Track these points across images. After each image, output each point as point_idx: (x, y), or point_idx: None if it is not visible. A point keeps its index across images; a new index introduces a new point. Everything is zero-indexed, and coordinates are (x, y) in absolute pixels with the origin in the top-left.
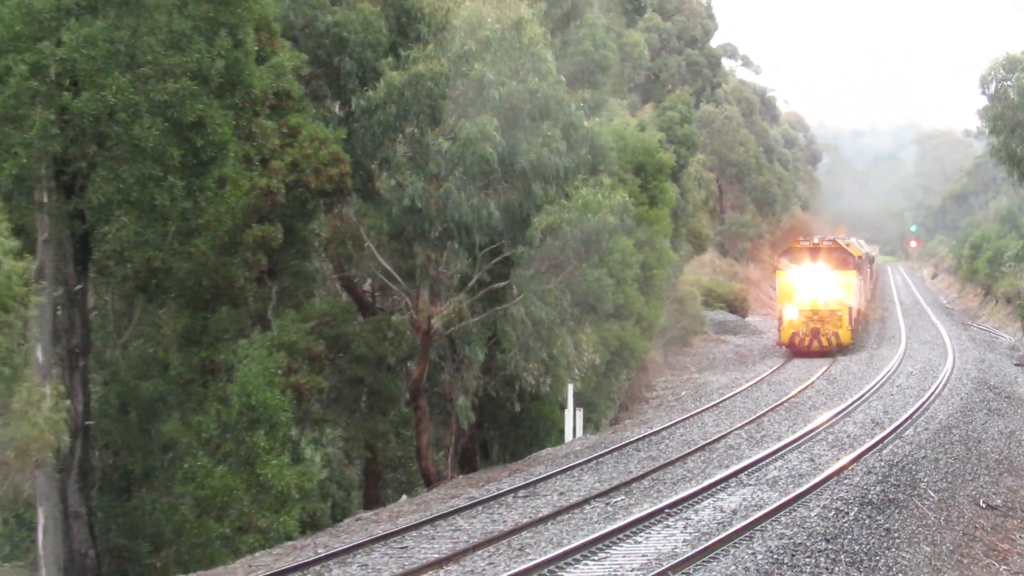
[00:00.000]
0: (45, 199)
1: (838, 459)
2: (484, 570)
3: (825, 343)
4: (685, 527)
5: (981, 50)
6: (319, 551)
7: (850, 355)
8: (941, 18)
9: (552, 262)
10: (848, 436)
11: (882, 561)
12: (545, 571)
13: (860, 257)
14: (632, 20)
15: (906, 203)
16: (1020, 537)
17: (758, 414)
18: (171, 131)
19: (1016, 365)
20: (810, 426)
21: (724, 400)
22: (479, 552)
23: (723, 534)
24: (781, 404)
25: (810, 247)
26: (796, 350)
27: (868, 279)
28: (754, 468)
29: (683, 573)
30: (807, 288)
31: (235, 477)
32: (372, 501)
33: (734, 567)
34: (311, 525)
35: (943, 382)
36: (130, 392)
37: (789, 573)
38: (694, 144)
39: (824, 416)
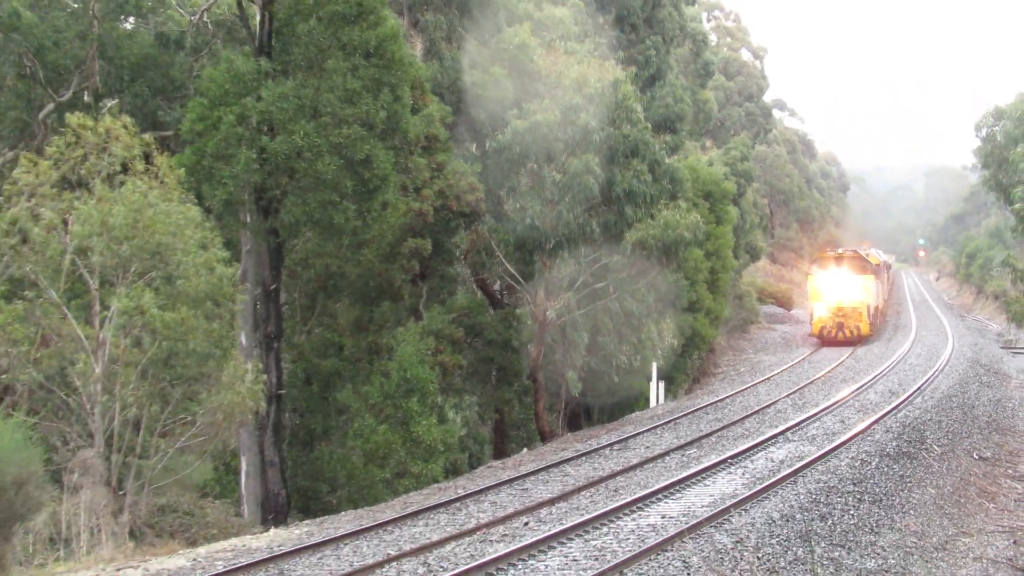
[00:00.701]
0: (248, 219)
1: (863, 421)
2: (587, 506)
3: (848, 334)
4: (743, 473)
5: (990, 89)
6: (459, 491)
7: (870, 343)
8: (959, 67)
9: (640, 267)
10: (870, 403)
11: (897, 500)
12: (635, 507)
13: (878, 264)
14: (704, 81)
15: (916, 222)
16: (1006, 482)
17: (800, 386)
18: (345, 166)
19: (1002, 348)
20: (840, 395)
21: (774, 375)
22: (583, 492)
23: (773, 479)
24: (818, 378)
25: (835, 256)
26: (825, 340)
27: (885, 282)
28: (797, 428)
29: (742, 509)
30: (833, 290)
31: (394, 434)
32: (500, 453)
33: (782, 504)
34: (453, 471)
35: (945, 361)
36: (313, 368)
37: (825, 509)
38: (751, 176)
39: (851, 388)
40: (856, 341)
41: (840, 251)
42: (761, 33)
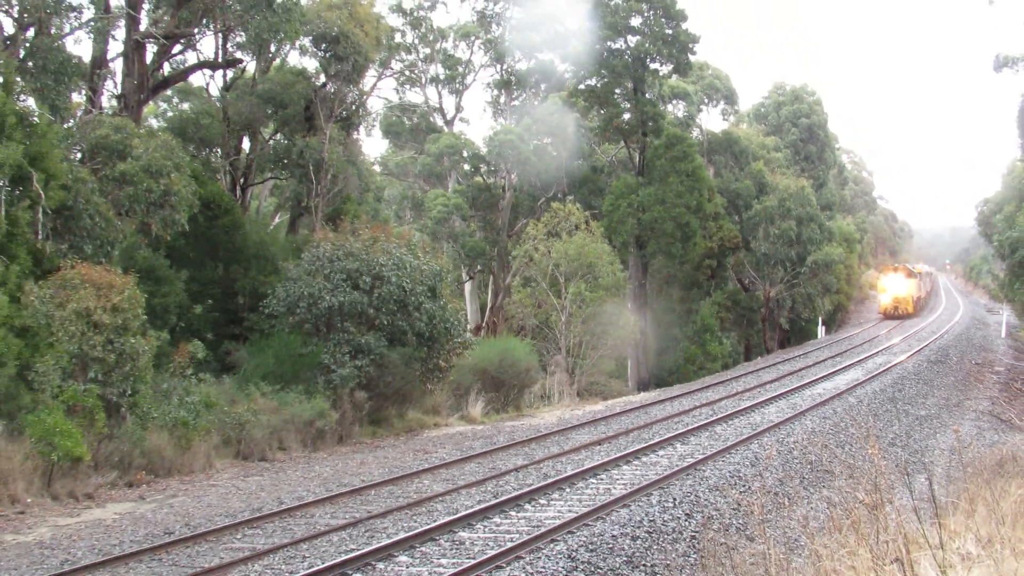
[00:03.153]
0: (632, 250)
1: (918, 345)
2: (788, 383)
3: (902, 312)
4: (862, 369)
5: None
6: (726, 377)
7: (915, 317)
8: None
9: (813, 272)
10: (922, 337)
11: (935, 383)
12: (809, 384)
13: (920, 273)
14: (843, 186)
15: (946, 252)
16: (988, 375)
17: (889, 329)
18: (677, 227)
19: (986, 311)
20: (907, 334)
21: (876, 324)
22: (786, 377)
23: (876, 372)
24: (897, 327)
25: (892, 267)
26: (887, 316)
27: (927, 283)
28: (888, 348)
29: (860, 386)
30: (891, 287)
31: (698, 349)
32: (746, 359)
33: (880, 384)
34: (724, 368)
35: (958, 319)
36: (660, 319)
37: (900, 386)
38: (866, 230)
39: (913, 330)
40: (905, 316)
41: (896, 265)
42: (872, 158)
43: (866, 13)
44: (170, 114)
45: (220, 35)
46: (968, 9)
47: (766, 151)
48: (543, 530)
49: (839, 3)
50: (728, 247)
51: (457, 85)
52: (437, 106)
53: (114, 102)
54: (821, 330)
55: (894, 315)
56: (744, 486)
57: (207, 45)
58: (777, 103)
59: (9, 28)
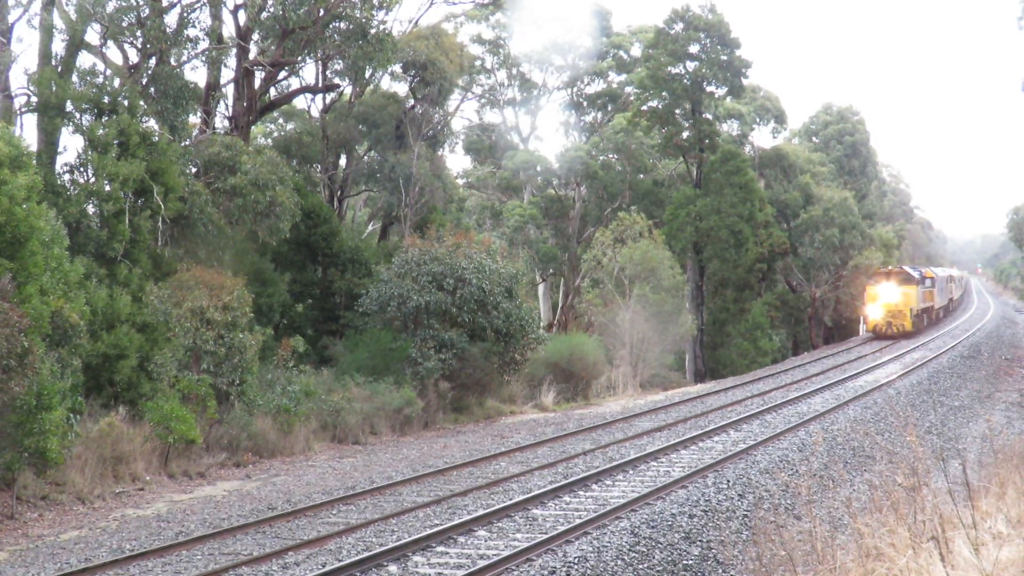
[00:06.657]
0: (690, 255)
1: (953, 341)
2: (831, 377)
3: (896, 330)
4: (899, 363)
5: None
6: (776, 370)
7: (918, 335)
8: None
9: (858, 274)
10: (956, 334)
11: (968, 376)
12: (851, 378)
13: (928, 277)
14: (882, 196)
15: (977, 257)
16: (1018, 369)
17: (929, 325)
18: (730, 233)
19: (1015, 311)
20: (944, 330)
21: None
22: (829, 371)
23: (914, 366)
24: (930, 325)
25: (885, 272)
26: (877, 335)
27: (948, 289)
28: (925, 344)
29: (899, 379)
30: (884, 296)
31: (749, 344)
32: (795, 354)
33: (917, 377)
34: (773, 362)
35: (990, 317)
36: (716, 317)
37: (936, 379)
38: (904, 236)
39: (949, 327)
40: (901, 336)
41: (889, 268)
42: (910, 170)
43: (903, 32)
44: (275, 133)
45: (320, 63)
46: (1000, 29)
47: (813, 165)
48: (608, 508)
49: (880, 25)
50: (777, 252)
51: (532, 106)
52: (514, 125)
53: (226, 123)
54: (863, 328)
55: (885, 334)
56: (792, 469)
57: (309, 72)
58: (825, 122)
59: (133, 57)
